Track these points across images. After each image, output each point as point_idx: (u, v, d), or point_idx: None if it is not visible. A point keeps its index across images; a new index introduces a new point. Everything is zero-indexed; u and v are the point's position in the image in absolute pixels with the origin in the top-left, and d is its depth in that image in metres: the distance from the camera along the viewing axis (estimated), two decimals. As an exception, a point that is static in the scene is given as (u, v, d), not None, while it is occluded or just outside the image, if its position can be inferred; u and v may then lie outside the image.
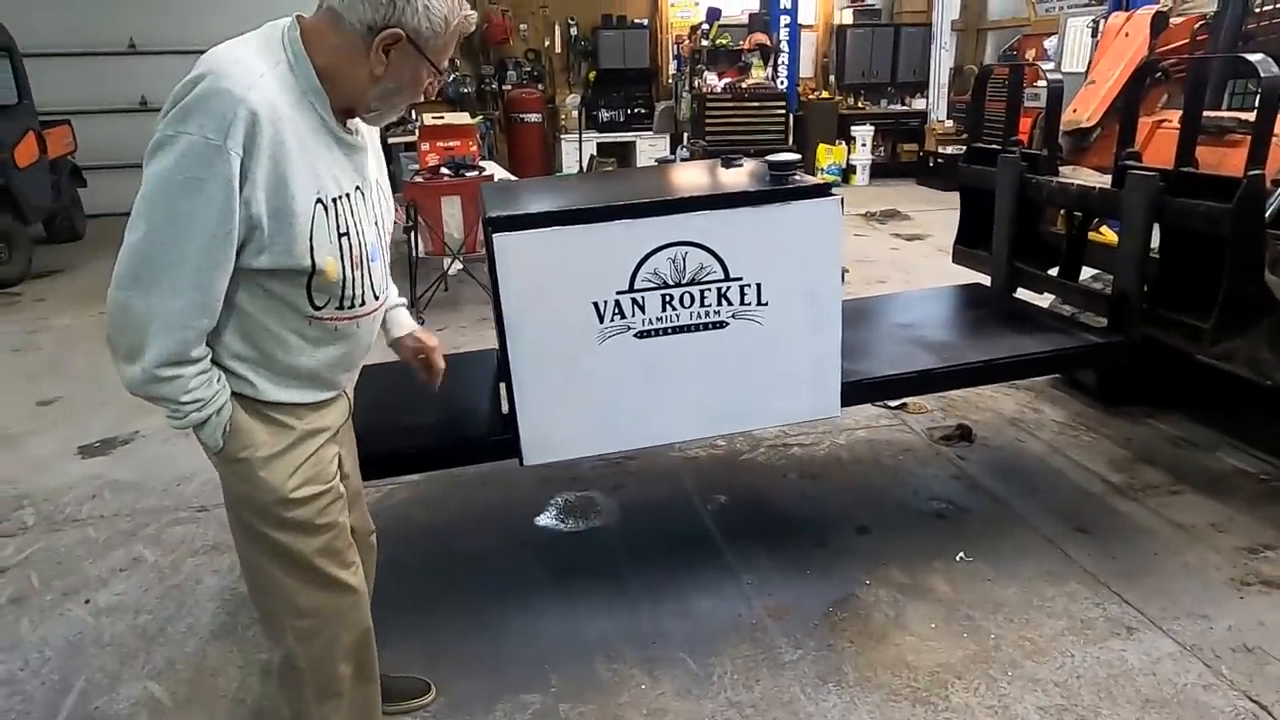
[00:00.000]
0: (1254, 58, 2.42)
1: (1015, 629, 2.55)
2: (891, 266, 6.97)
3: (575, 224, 2.19)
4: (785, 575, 2.84)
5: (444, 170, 6.74)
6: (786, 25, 6.49)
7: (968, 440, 3.81)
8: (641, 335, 2.30)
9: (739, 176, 2.54)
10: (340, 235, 1.51)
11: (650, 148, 10.84)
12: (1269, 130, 2.41)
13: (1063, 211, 3.33)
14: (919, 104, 11.91)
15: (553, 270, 2.20)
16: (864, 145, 11.45)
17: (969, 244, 3.71)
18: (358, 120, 1.57)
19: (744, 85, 6.50)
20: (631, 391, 2.34)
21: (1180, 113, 3.06)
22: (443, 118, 7.71)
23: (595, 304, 2.25)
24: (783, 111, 6.42)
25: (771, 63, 6.72)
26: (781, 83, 6.76)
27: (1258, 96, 2.49)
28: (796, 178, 2.42)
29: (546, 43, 11.27)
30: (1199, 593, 2.72)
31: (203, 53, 1.41)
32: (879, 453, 3.73)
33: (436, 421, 2.49)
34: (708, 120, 6.37)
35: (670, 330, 2.31)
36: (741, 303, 2.33)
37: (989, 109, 5.23)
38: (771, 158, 2.46)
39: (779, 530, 3.12)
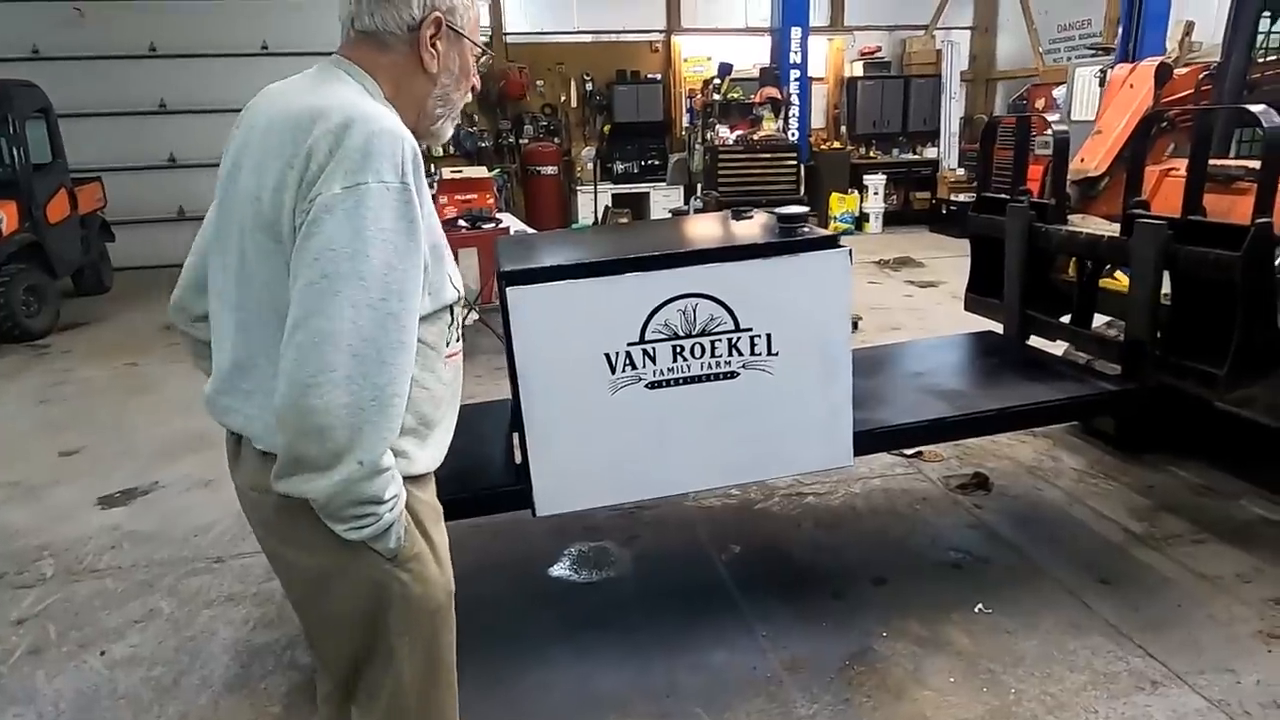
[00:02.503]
0: (1256, 109, 2.45)
1: (1037, 683, 2.50)
2: (905, 314, 6.98)
3: (587, 277, 2.23)
4: (801, 627, 2.80)
5: (461, 223, 6.88)
6: (796, 79, 6.63)
7: (985, 489, 3.78)
8: (653, 386, 2.32)
9: (749, 229, 2.59)
10: None
11: (664, 199, 11.01)
12: (1274, 178, 2.43)
13: (1074, 259, 3.34)
14: (930, 153, 12.05)
15: (565, 322, 2.24)
16: (876, 194, 11.57)
17: (981, 292, 3.72)
18: None
19: (756, 138, 6.62)
20: (643, 442, 2.36)
21: (1186, 161, 3.10)
22: (461, 171, 7.88)
23: (607, 355, 2.28)
24: (794, 162, 6.52)
25: (783, 115, 6.85)
26: (792, 134, 6.87)
27: (1262, 145, 2.51)
28: (805, 230, 2.46)
29: (563, 98, 11.55)
30: (1225, 646, 2.65)
31: (233, 111, 1.39)
32: (895, 502, 3.70)
33: (450, 472, 2.49)
34: (720, 172, 6.47)
35: (681, 381, 2.34)
36: (752, 353, 2.35)
37: (999, 157, 5.30)
38: (780, 210, 2.50)
39: (794, 581, 3.09)
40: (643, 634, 2.80)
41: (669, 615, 2.89)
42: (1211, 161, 3.22)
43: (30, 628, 2.96)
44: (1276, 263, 2.59)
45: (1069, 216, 3.41)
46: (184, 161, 10.58)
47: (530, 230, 6.96)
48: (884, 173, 11.64)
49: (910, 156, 12.08)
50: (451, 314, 1.43)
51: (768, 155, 6.49)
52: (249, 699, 2.55)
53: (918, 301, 7.48)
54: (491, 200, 7.59)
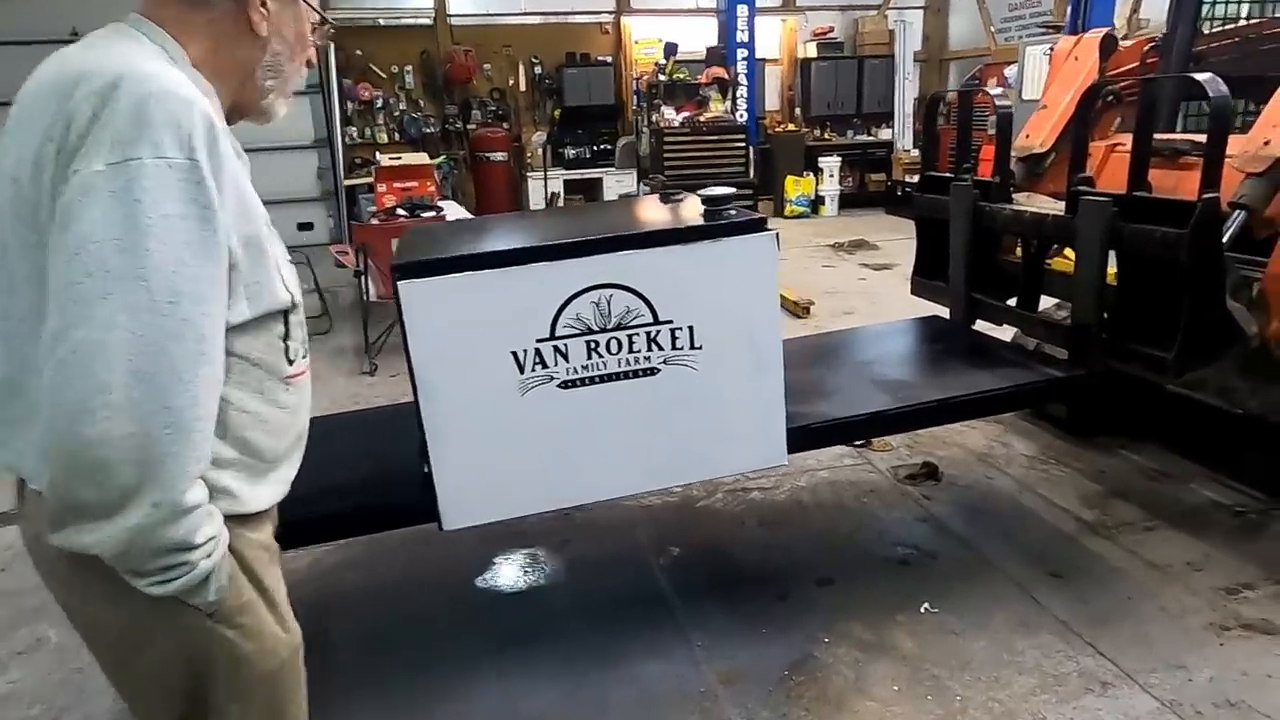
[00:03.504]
0: (1202, 77, 2.32)
1: (983, 689, 2.37)
2: (859, 298, 6.87)
3: (489, 268, 2.03)
4: (740, 634, 2.65)
5: (400, 211, 6.60)
6: (744, 58, 6.44)
7: (934, 479, 3.66)
8: (566, 385, 2.13)
9: (673, 213, 2.40)
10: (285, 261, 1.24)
11: (618, 184, 10.78)
12: (1221, 152, 2.31)
13: (1020, 240, 3.21)
14: (885, 134, 11.96)
15: (466, 318, 2.04)
16: (831, 176, 11.46)
17: (927, 275, 3.58)
18: None
19: (702, 119, 6.42)
20: (559, 446, 2.17)
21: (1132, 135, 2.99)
22: (400, 158, 7.60)
23: (514, 353, 2.09)
24: (742, 144, 6.34)
25: (730, 96, 6.67)
26: (741, 115, 6.69)
27: (1209, 116, 2.38)
28: (732, 212, 2.28)
29: (511, 81, 11.24)
30: (1177, 640, 2.55)
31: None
32: (842, 495, 3.56)
33: (357, 482, 2.31)
34: (666, 155, 6.27)
35: (597, 379, 2.15)
36: (673, 347, 2.17)
37: (952, 137, 5.17)
38: (704, 191, 2.32)
39: (735, 584, 2.94)
40: (573, 647, 2.63)
41: (602, 627, 2.72)
42: (1157, 137, 3.11)
43: (-101, 664, 2.70)
44: (1224, 239, 2.47)
45: (1014, 195, 3.28)
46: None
47: (471, 217, 6.72)
48: (839, 155, 11.52)
49: (865, 138, 11.98)
50: (286, 323, 1.21)
51: (715, 137, 6.30)
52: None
53: (872, 285, 7.37)
54: (433, 187, 7.33)
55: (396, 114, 10.88)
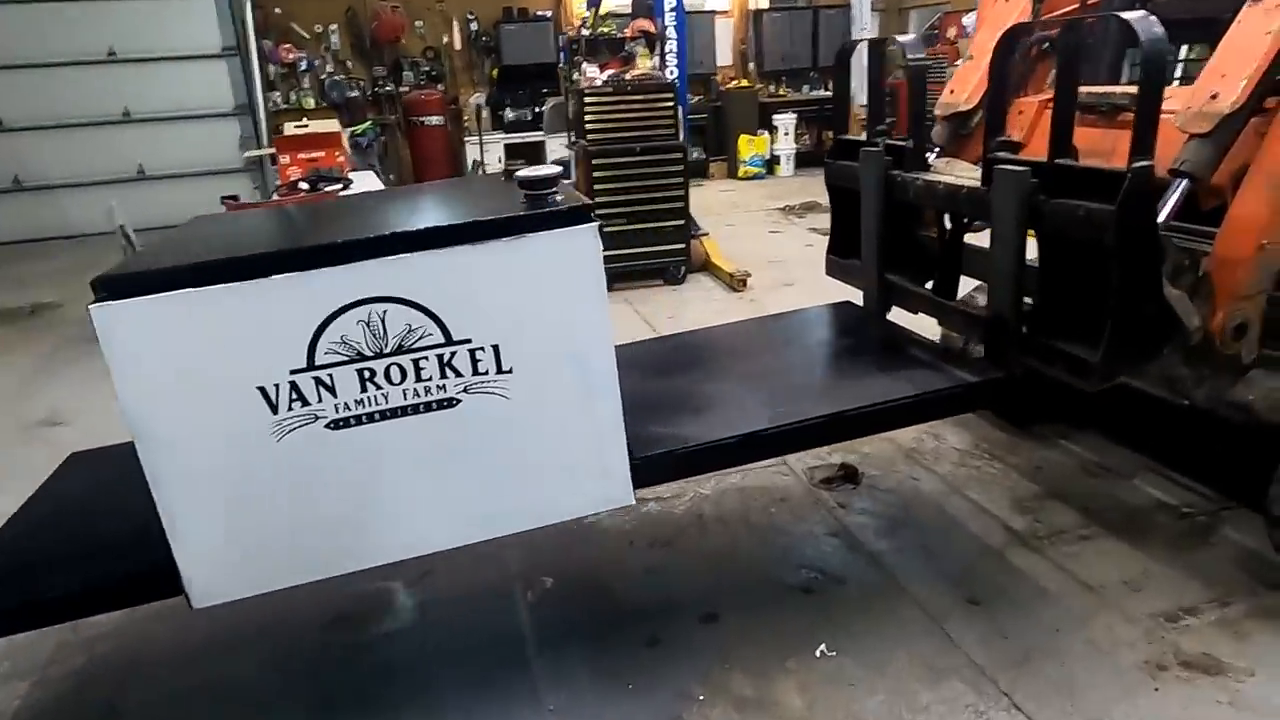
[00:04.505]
0: (1131, 16, 1.88)
1: (874, 761, 2.00)
2: (804, 267, 6.43)
3: (217, 282, 1.57)
4: (601, 692, 2.26)
5: (302, 185, 6.06)
6: (672, 9, 5.93)
7: (852, 482, 3.27)
8: (336, 425, 1.70)
9: (481, 200, 1.94)
10: None
11: (562, 148, 10.20)
12: (1154, 109, 1.88)
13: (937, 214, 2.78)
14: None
15: (191, 348, 1.59)
16: (787, 134, 10.97)
17: (842, 253, 3.15)
18: None
19: (628, 77, 5.90)
20: (333, 500, 1.74)
21: (1083, 90, 2.56)
22: (306, 125, 7.00)
23: (262, 389, 1.64)
24: (671, 104, 5.82)
25: (660, 51, 6.15)
26: (670, 73, 6.17)
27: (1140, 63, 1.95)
28: (558, 197, 1.83)
29: (445, 39, 10.58)
30: (1106, 684, 2.19)
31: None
32: (749, 504, 3.16)
33: (75, 551, 1.86)
34: (587, 118, 5.75)
35: (378, 415, 1.71)
36: (475, 373, 1.74)
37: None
38: (523, 172, 1.86)
39: (608, 624, 2.54)
40: (403, 714, 2.23)
41: (443, 683, 2.32)
42: (1094, 90, 2.67)
43: None
44: (1161, 216, 2.06)
45: (933, 161, 2.84)
46: (14, 125, 9.40)
47: (384, 189, 6.19)
48: (794, 111, 11.02)
49: (822, 93, 11.44)
50: None
51: (640, 97, 5.78)
52: None
53: (817, 253, 6.86)
54: (341, 158, 6.75)
55: (322, 77, 10.21)
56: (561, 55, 6.56)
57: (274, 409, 1.65)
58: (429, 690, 2.31)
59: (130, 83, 9.60)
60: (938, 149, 3.07)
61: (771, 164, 10.98)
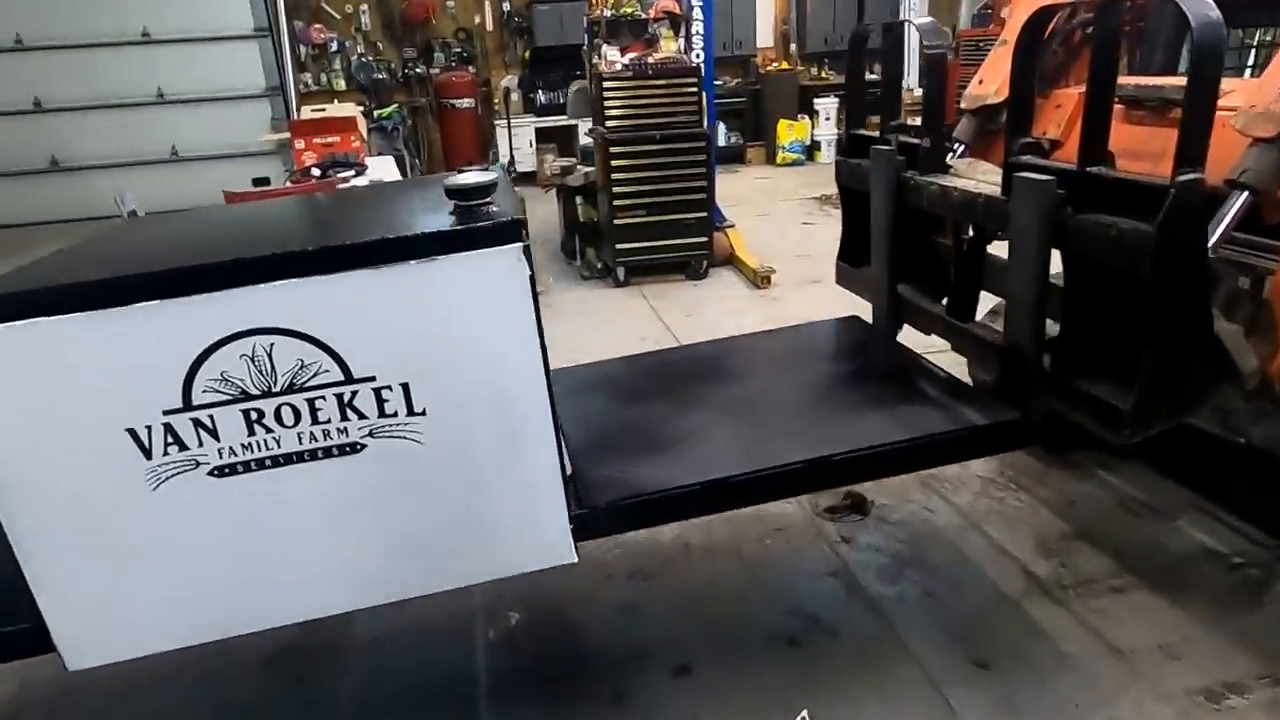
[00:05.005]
0: (1182, -3, 1.55)
1: None
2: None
3: (68, 311, 1.36)
4: (552, 757, 2.03)
5: (314, 171, 5.91)
6: (701, -13, 5.63)
7: (860, 512, 2.98)
8: (221, 472, 1.48)
9: (412, 213, 1.70)
10: None
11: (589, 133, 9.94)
12: (1208, 107, 1.55)
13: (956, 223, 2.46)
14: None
15: (44, 383, 1.38)
16: (828, 119, 10.53)
17: (853, 261, 2.85)
18: None
19: (650, 61, 5.59)
20: (220, 554, 1.53)
21: (1130, 81, 2.23)
22: (324, 110, 6.85)
23: (132, 431, 1.43)
24: (695, 89, 5.51)
25: (685, 34, 5.84)
26: (696, 56, 5.85)
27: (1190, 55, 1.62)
28: (494, 209, 1.58)
29: (477, 20, 10.36)
30: (1130, 780, 1.89)
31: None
32: (743, 534, 2.89)
33: None
34: (606, 104, 5.47)
35: (269, 462, 1.49)
36: (381, 414, 1.50)
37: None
38: (452, 180, 1.61)
39: (572, 672, 2.32)
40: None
41: (383, 737, 2.12)
42: (1140, 80, 2.32)
43: None
44: (1212, 240, 1.72)
45: (955, 161, 2.51)
46: (51, 105, 9.46)
47: (393, 179, 6.00)
48: (837, 95, 10.53)
49: (867, 76, 10.91)
50: None
51: (663, 82, 5.47)
52: None
53: (850, 246, 6.56)
54: (358, 143, 6.59)
55: (354, 59, 10.08)
56: (585, 37, 6.32)
57: (147, 454, 1.44)
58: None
59: (164, 63, 9.57)
60: (963, 147, 2.75)
61: (812, 150, 10.57)
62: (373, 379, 1.48)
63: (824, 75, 10.98)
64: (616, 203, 5.60)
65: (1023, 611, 2.45)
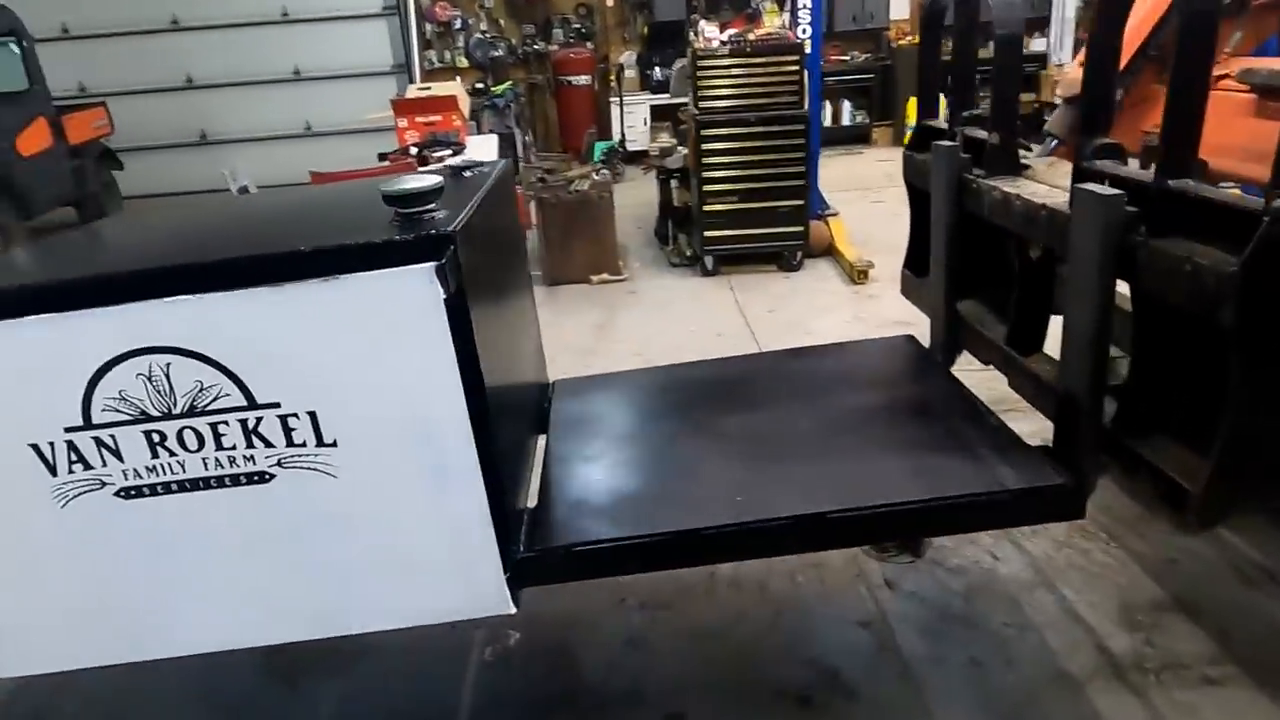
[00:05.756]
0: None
1: None
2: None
3: (-35, 321, 1.30)
4: (513, 805, 1.89)
5: (412, 150, 5.98)
6: (808, -43, 5.20)
7: (913, 552, 2.64)
8: (127, 494, 1.40)
9: (345, 220, 1.56)
10: None
11: (708, 109, 9.62)
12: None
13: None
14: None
15: (-53, 395, 1.33)
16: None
17: (917, 269, 2.51)
18: None
19: (751, 37, 5.26)
20: (130, 577, 1.46)
21: (1263, 64, 1.81)
22: (429, 88, 6.91)
23: (36, 447, 1.37)
24: (796, 69, 5.13)
25: (791, 7, 5.45)
26: (802, 31, 5.45)
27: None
28: (439, 214, 1.42)
29: (598, -6, 10.22)
30: None
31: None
32: (774, 567, 2.63)
33: None
34: (701, 83, 5.20)
35: (175, 486, 1.40)
36: (289, 443, 1.38)
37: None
38: (390, 185, 1.45)
39: (554, 706, 2.16)
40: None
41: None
42: (1263, 64, 1.87)
43: None
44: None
45: (1034, 160, 2.13)
46: (201, 83, 10.10)
47: (487, 161, 5.98)
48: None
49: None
50: None
51: (762, 60, 5.13)
52: None
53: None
54: (459, 122, 6.61)
55: (476, 35, 10.18)
56: (687, 10, 6.00)
57: (52, 470, 1.38)
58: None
59: (300, 42, 10.03)
60: (1055, 142, 2.34)
61: (944, 130, 9.80)
62: (277, 405, 1.35)
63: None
64: (706, 188, 5.33)
65: (1085, 697, 2.08)
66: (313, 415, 1.36)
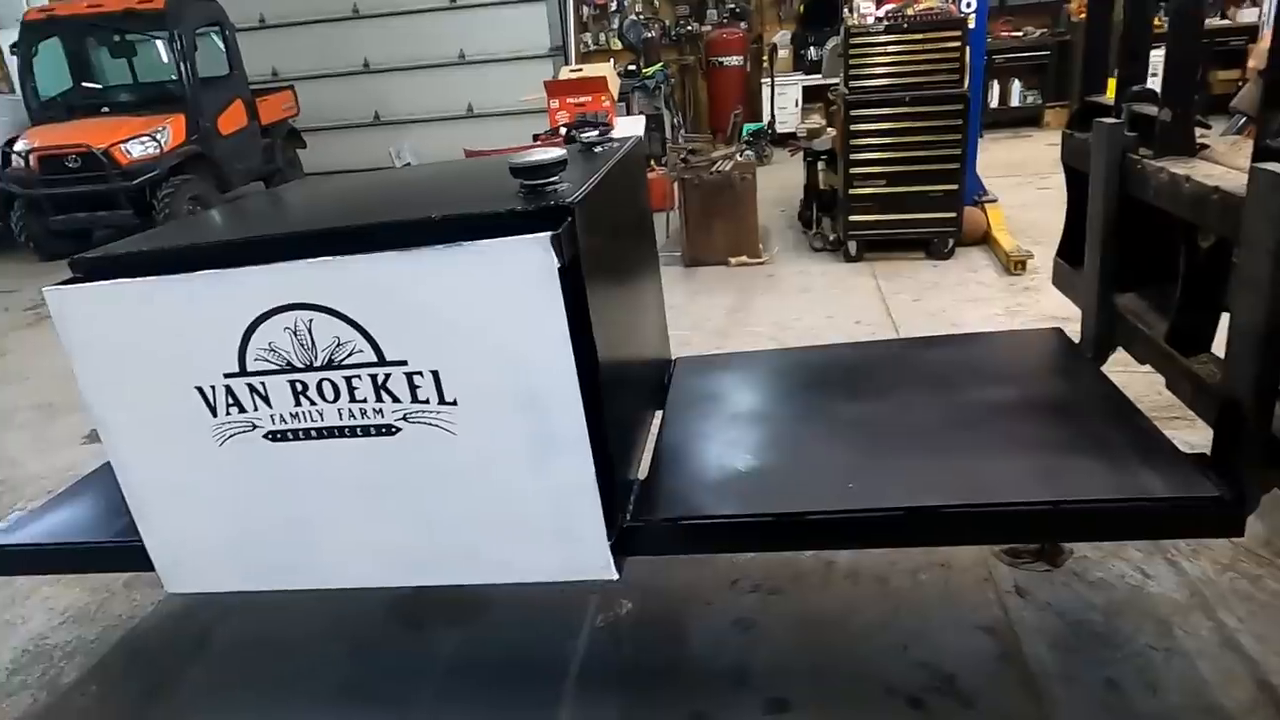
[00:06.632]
0: None
1: None
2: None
3: (149, 274, 1.47)
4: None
5: (561, 130, 6.15)
6: (977, -77, 4.87)
7: (1051, 561, 2.47)
8: (274, 437, 1.54)
9: (474, 186, 1.63)
10: None
11: (864, 89, 9.28)
12: None
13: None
14: (1247, 15, 8.92)
15: (131, 339, 1.52)
16: (1154, 75, 8.82)
17: (1072, 259, 2.33)
18: None
19: (909, 12, 5.02)
20: (272, 514, 1.61)
21: None
22: (580, 70, 7.06)
23: (200, 390, 1.53)
24: (957, 45, 4.86)
25: (954, -21, 5.15)
26: (967, 5, 5.14)
27: None
28: (561, 186, 1.47)
29: (754, -28, 10.06)
30: None
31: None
32: (897, 561, 2.53)
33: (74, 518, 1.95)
34: (852, 61, 5.02)
35: (314, 433, 1.53)
36: (414, 400, 1.47)
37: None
38: (519, 158, 1.51)
39: (659, 678, 2.19)
40: (415, 714, 2.11)
41: (465, 705, 2.16)
42: None
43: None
44: None
45: (1217, 141, 1.91)
46: (377, 67, 10.79)
47: (617, 137, 6.05)
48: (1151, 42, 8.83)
49: (1217, 22, 9.03)
50: None
51: (920, 37, 4.88)
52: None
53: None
54: (608, 103, 6.73)
55: (631, 18, 10.28)
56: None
57: (213, 411, 1.54)
58: (440, 707, 2.16)
59: (466, 27, 10.50)
60: (1242, 120, 2.10)
61: (1128, 112, 8.98)
62: (404, 363, 1.44)
63: (1159, 21, 9.22)
64: (853, 170, 5.16)
65: (1237, 735, 1.89)
66: (435, 374, 1.44)
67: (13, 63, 8.22)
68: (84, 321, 1.52)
